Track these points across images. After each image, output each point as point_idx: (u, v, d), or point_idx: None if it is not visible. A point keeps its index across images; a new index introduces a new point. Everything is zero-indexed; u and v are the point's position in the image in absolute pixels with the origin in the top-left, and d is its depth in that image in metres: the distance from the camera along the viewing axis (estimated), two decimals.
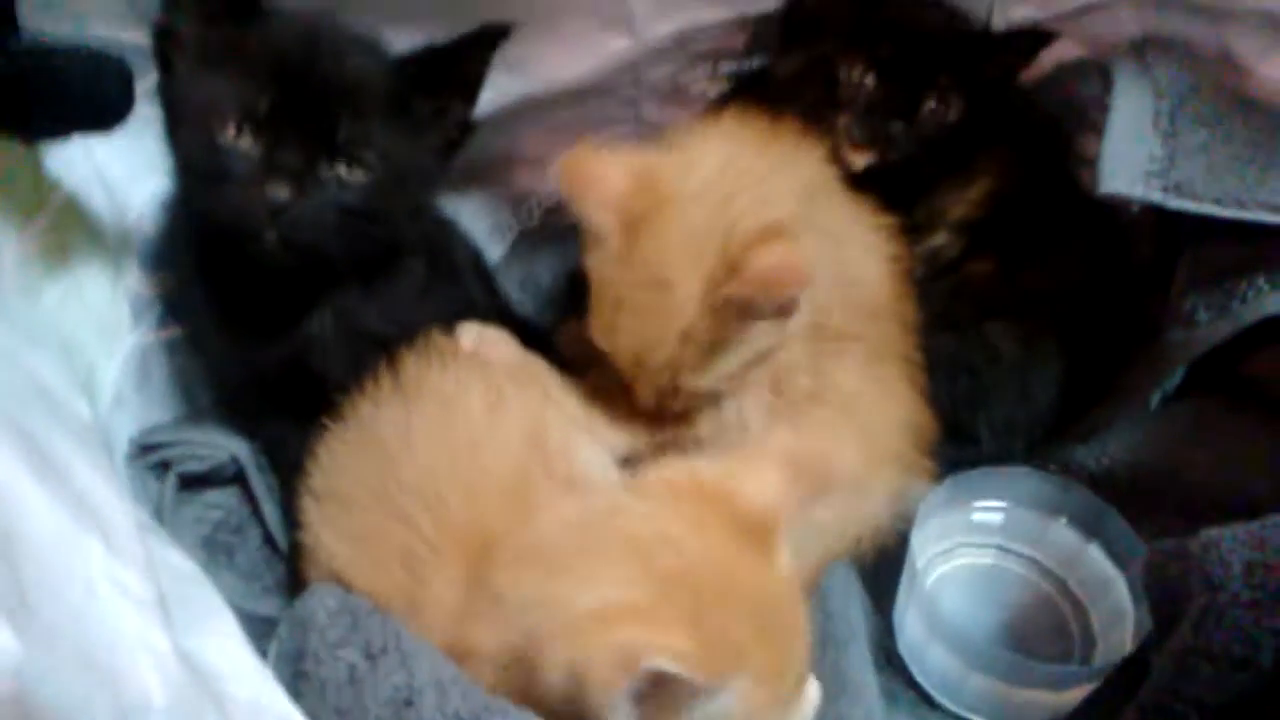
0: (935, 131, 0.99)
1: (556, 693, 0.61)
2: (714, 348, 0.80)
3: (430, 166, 0.83)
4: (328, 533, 0.77)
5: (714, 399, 0.87)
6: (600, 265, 0.81)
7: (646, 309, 0.79)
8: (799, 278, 0.75)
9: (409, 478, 0.75)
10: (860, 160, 0.96)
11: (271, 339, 0.84)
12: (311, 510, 0.79)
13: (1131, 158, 0.87)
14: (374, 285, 0.85)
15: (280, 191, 0.73)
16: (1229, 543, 0.74)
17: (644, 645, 0.57)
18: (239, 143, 0.74)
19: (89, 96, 0.74)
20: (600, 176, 0.80)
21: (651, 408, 0.85)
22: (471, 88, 0.83)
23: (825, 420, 0.92)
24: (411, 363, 0.82)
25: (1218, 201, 0.85)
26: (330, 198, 0.76)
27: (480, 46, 0.80)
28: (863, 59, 0.96)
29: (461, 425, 0.78)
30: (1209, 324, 0.89)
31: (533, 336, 0.94)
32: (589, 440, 0.86)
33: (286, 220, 0.74)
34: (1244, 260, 0.88)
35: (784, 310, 0.78)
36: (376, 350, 0.83)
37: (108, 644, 0.51)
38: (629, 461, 0.90)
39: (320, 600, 0.70)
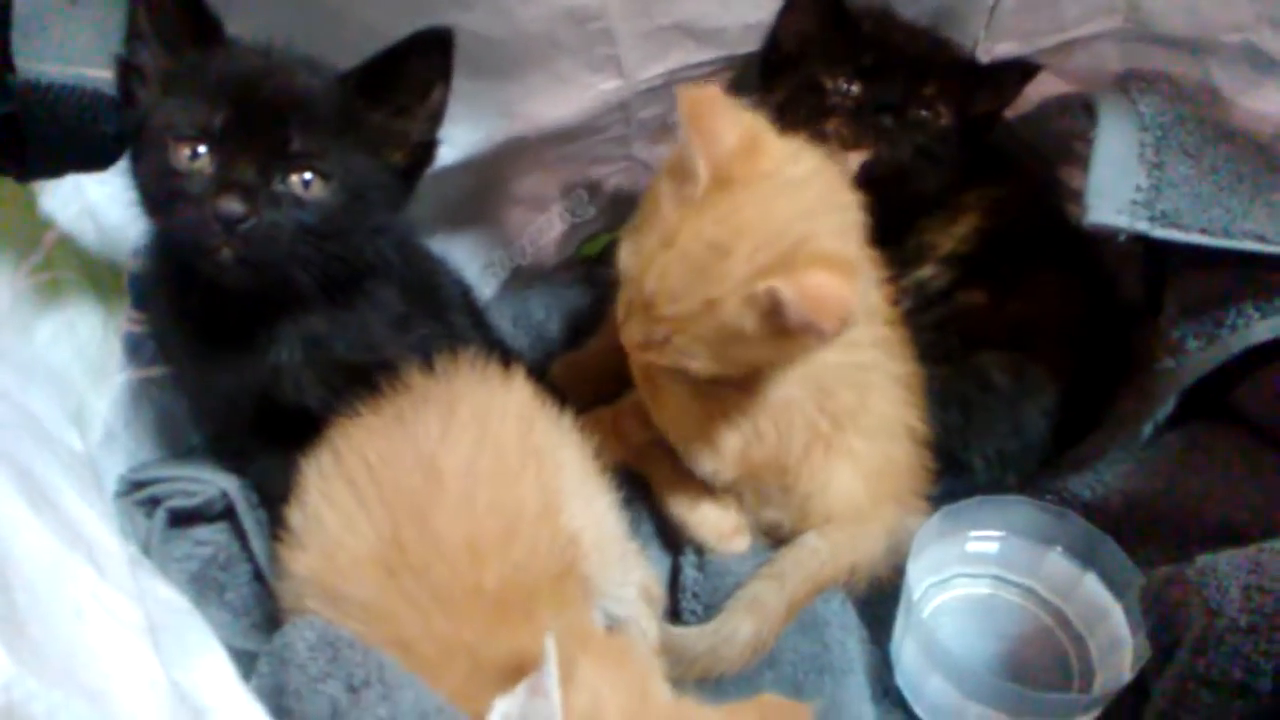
0: (928, 135, 1.00)
1: None
2: (722, 331, 0.79)
3: (390, 184, 0.82)
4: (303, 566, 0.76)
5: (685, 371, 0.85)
6: (675, 202, 0.81)
7: (693, 262, 0.79)
8: (842, 315, 0.75)
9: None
10: (855, 159, 0.97)
11: (241, 370, 0.83)
12: (290, 542, 0.78)
13: (1117, 189, 0.88)
14: (342, 313, 0.84)
15: (233, 205, 0.72)
16: (1226, 568, 0.74)
17: None
18: (194, 163, 0.74)
19: (81, 135, 0.74)
20: (715, 123, 0.79)
21: (632, 345, 0.85)
22: (425, 97, 0.81)
23: (842, 448, 0.93)
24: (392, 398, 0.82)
25: (1204, 231, 0.86)
26: (286, 213, 0.75)
27: (424, 53, 0.79)
28: (846, 69, 0.99)
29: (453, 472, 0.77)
30: (1199, 353, 0.89)
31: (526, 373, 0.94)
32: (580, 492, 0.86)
33: (241, 235, 0.73)
34: (1231, 289, 0.89)
35: (808, 331, 0.77)
36: (351, 380, 0.83)
37: (98, 667, 0.51)
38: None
39: (299, 633, 0.68)
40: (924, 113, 1.01)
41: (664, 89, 1.02)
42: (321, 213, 0.76)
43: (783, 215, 0.79)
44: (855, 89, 1.00)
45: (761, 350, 0.81)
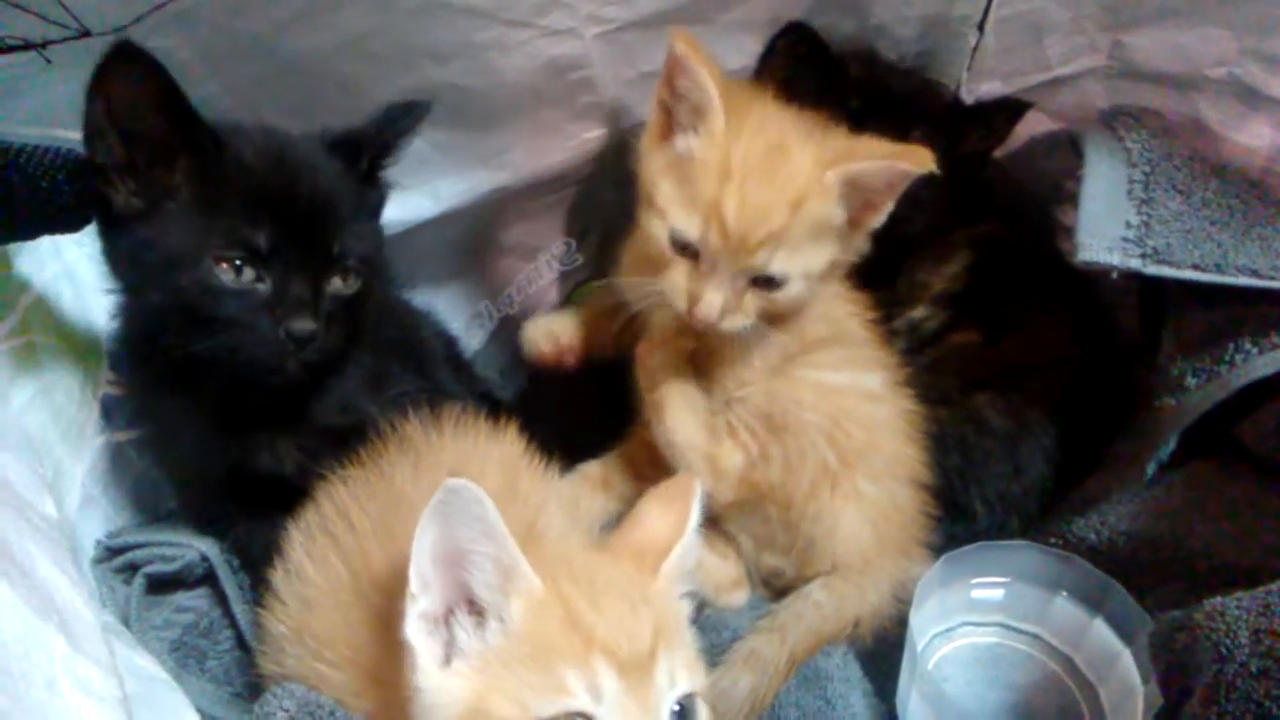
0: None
1: None
2: (814, 229, 0.84)
3: (381, 241, 0.84)
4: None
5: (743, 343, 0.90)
6: (703, 142, 0.84)
7: (760, 174, 0.82)
8: (926, 160, 0.81)
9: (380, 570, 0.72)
10: None
11: (219, 445, 0.82)
12: (271, 601, 0.76)
13: (1107, 227, 0.87)
14: (326, 381, 0.83)
15: (306, 324, 0.73)
16: (1235, 612, 0.73)
17: None
18: (239, 281, 0.73)
19: (56, 197, 0.73)
20: (704, 54, 0.83)
21: (711, 319, 0.85)
22: (396, 156, 0.83)
23: (850, 490, 0.93)
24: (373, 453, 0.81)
25: (1197, 267, 0.85)
26: (339, 312, 0.77)
27: (404, 121, 0.81)
28: (838, 113, 0.97)
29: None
30: (1198, 390, 0.88)
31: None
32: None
33: (314, 349, 0.75)
34: (1228, 325, 0.88)
35: (893, 188, 0.83)
36: (329, 443, 0.82)
37: None
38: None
39: (279, 702, 0.67)
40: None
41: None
42: (359, 297, 0.79)
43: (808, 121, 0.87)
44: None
45: (841, 247, 0.87)
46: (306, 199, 0.75)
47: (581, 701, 0.59)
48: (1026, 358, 1.02)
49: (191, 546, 0.86)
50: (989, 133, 1.03)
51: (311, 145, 0.79)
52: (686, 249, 0.85)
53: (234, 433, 0.82)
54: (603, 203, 1.10)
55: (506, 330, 1.18)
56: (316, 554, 0.77)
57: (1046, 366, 1.01)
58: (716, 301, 0.84)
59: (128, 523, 0.89)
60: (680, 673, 0.63)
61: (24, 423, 0.80)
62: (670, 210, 0.85)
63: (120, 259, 0.76)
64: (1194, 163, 0.87)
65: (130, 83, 0.68)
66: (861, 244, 0.89)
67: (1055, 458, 1.00)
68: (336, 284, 0.77)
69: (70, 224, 0.76)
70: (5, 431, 0.77)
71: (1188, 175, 0.88)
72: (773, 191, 0.82)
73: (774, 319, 0.89)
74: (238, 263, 0.72)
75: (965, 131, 1.02)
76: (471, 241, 1.06)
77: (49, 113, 0.79)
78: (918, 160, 0.81)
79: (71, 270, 0.86)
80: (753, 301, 0.86)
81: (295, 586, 0.76)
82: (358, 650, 0.71)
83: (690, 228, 0.84)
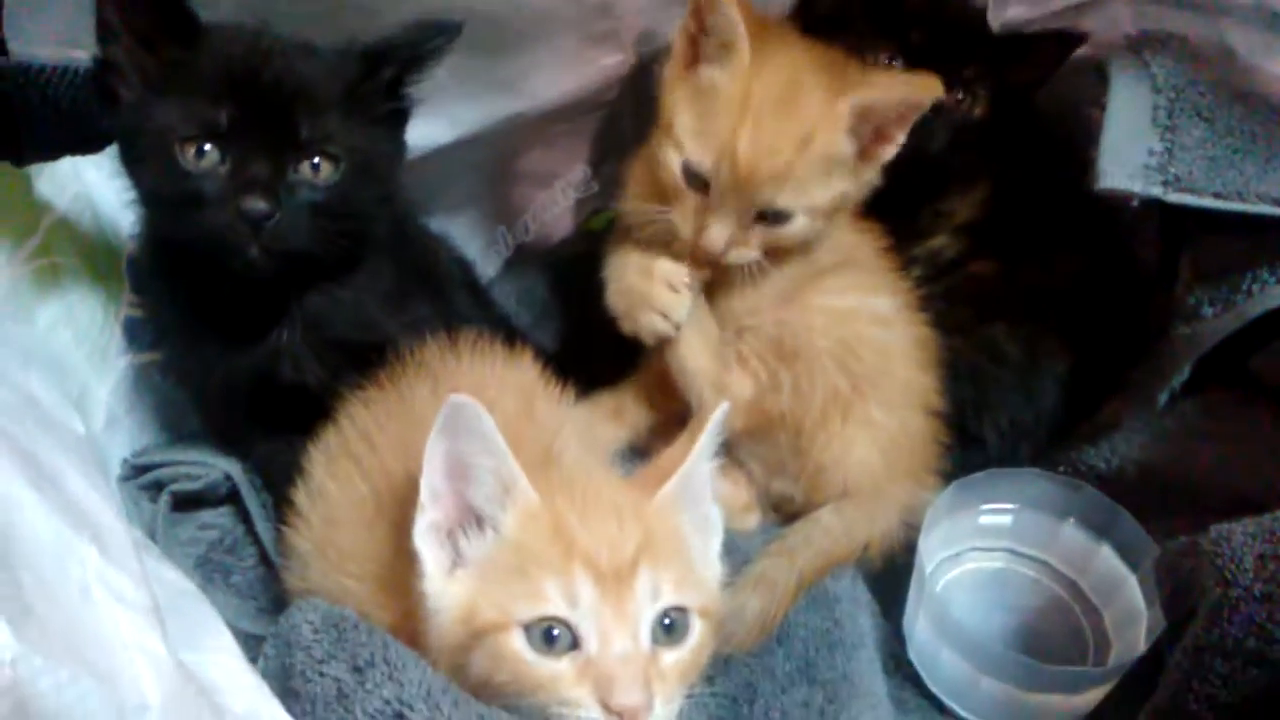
0: (960, 125, 0.98)
1: None
2: (823, 164, 0.85)
3: (390, 150, 0.83)
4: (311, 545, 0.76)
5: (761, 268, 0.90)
6: (725, 75, 0.85)
7: (773, 112, 0.83)
8: (935, 88, 0.83)
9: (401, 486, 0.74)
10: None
11: (241, 353, 0.83)
12: (294, 519, 0.78)
13: (1130, 153, 0.86)
14: (340, 291, 0.84)
15: (257, 204, 0.73)
16: (1240, 537, 0.73)
17: None
18: (203, 163, 0.73)
19: (76, 117, 0.74)
20: None
21: (716, 251, 0.87)
22: (423, 73, 0.82)
23: (861, 417, 0.94)
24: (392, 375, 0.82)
25: (1218, 195, 0.84)
26: (304, 199, 0.76)
27: (434, 41, 0.80)
28: (893, 46, 0.97)
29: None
30: (1214, 319, 0.88)
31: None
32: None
33: (269, 231, 0.74)
34: (1246, 254, 0.87)
35: (904, 119, 0.85)
36: (349, 359, 0.83)
37: (103, 645, 0.51)
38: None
39: (304, 616, 0.68)
40: (960, 97, 0.98)
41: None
42: (334, 193, 0.77)
43: (831, 56, 0.88)
44: (899, 70, 0.96)
45: (851, 180, 0.88)
46: (272, 81, 0.74)
47: (557, 607, 0.62)
48: (1043, 287, 1.01)
49: (215, 466, 0.88)
50: (1039, 67, 1.00)
51: (297, 41, 0.79)
52: (697, 181, 0.85)
53: (250, 342, 0.83)
54: (621, 130, 1.09)
55: (522, 257, 1.18)
56: (339, 473, 0.79)
57: (1063, 297, 1.01)
58: (723, 235, 0.86)
59: (152, 443, 0.91)
60: (667, 587, 0.65)
61: (50, 342, 0.82)
62: (687, 142, 0.86)
63: (122, 155, 0.78)
64: (1218, 89, 0.86)
65: None
66: (873, 177, 0.89)
67: (1068, 387, 1.00)
68: (306, 170, 0.76)
69: (91, 144, 0.76)
70: (32, 351, 0.78)
71: (1212, 101, 0.86)
72: (785, 127, 0.83)
73: (780, 254, 0.90)
74: (201, 145, 0.73)
75: (1016, 65, 0.99)
76: (488, 168, 1.06)
77: (66, 33, 0.79)
78: (927, 89, 0.82)
79: (91, 192, 0.86)
80: (759, 235, 0.87)
81: (318, 505, 0.78)
82: (380, 565, 0.73)
83: (704, 160, 0.85)
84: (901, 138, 0.86)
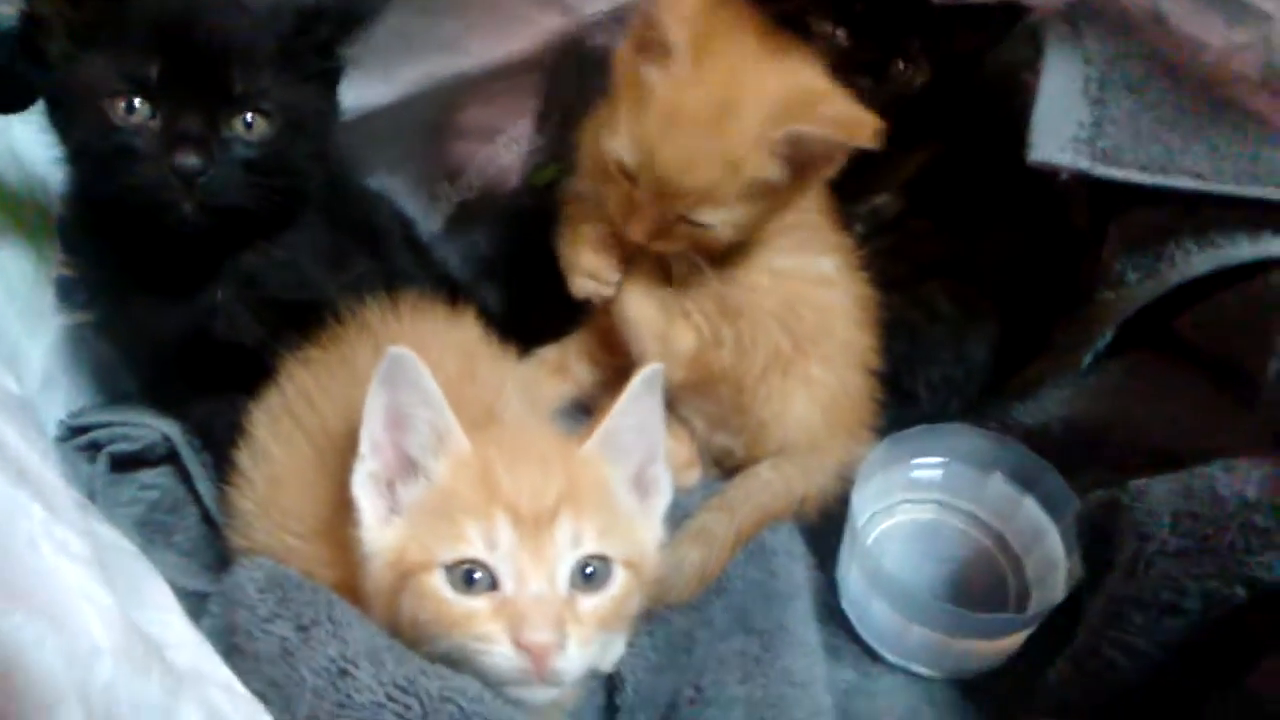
0: (901, 94, 0.98)
1: None
2: (749, 188, 0.83)
3: (324, 107, 0.83)
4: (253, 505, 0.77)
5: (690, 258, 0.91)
6: (662, 79, 0.82)
7: (703, 126, 0.81)
8: (869, 134, 0.80)
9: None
10: None
11: (176, 311, 0.83)
12: (238, 480, 0.79)
13: (1060, 125, 0.87)
14: (276, 249, 0.84)
15: (191, 159, 0.73)
16: (1158, 494, 0.77)
17: None
18: (133, 118, 0.73)
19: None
20: None
21: (640, 240, 0.87)
22: (358, 33, 0.82)
23: (800, 374, 0.96)
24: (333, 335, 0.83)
25: (1143, 168, 0.86)
26: (238, 155, 0.76)
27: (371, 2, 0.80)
28: (837, 15, 0.96)
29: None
30: (1138, 285, 0.90)
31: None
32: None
33: (202, 186, 0.74)
34: (1170, 224, 0.90)
35: (840, 153, 0.83)
36: (286, 318, 0.83)
37: (53, 593, 0.51)
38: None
39: (248, 574, 0.70)
40: (903, 67, 0.97)
41: (609, 23, 1.00)
42: (268, 149, 0.77)
43: (781, 67, 0.85)
44: (841, 36, 0.96)
45: (782, 197, 0.87)
46: (204, 36, 0.74)
47: (476, 549, 0.65)
48: (979, 248, 1.04)
49: (153, 427, 0.87)
50: (984, 35, 1.00)
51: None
52: (627, 171, 0.85)
53: (185, 301, 0.83)
54: (566, 87, 1.08)
55: (465, 213, 1.17)
56: (281, 434, 0.79)
57: (997, 257, 1.03)
58: (642, 230, 0.86)
59: (89, 404, 0.90)
60: (589, 535, 0.67)
61: None
62: (619, 132, 0.85)
63: (49, 112, 0.77)
64: (1149, 60, 0.87)
65: None
66: (809, 193, 0.89)
67: (998, 345, 1.03)
68: (238, 126, 0.76)
69: (15, 104, 0.74)
70: None
71: (1143, 74, 0.88)
72: (710, 149, 0.82)
73: (705, 249, 0.90)
74: (131, 99, 0.72)
75: (960, 33, 0.99)
76: (429, 125, 1.04)
77: None
78: (861, 134, 0.80)
79: (16, 148, 0.84)
80: (683, 231, 0.87)
81: (261, 465, 0.78)
82: (323, 523, 0.74)
83: (629, 157, 0.84)
84: (838, 165, 0.86)
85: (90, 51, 0.73)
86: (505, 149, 1.15)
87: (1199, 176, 0.85)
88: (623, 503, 0.72)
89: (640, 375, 0.72)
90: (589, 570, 0.66)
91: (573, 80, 1.07)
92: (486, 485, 0.67)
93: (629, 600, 0.69)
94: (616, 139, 0.85)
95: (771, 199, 0.87)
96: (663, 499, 0.76)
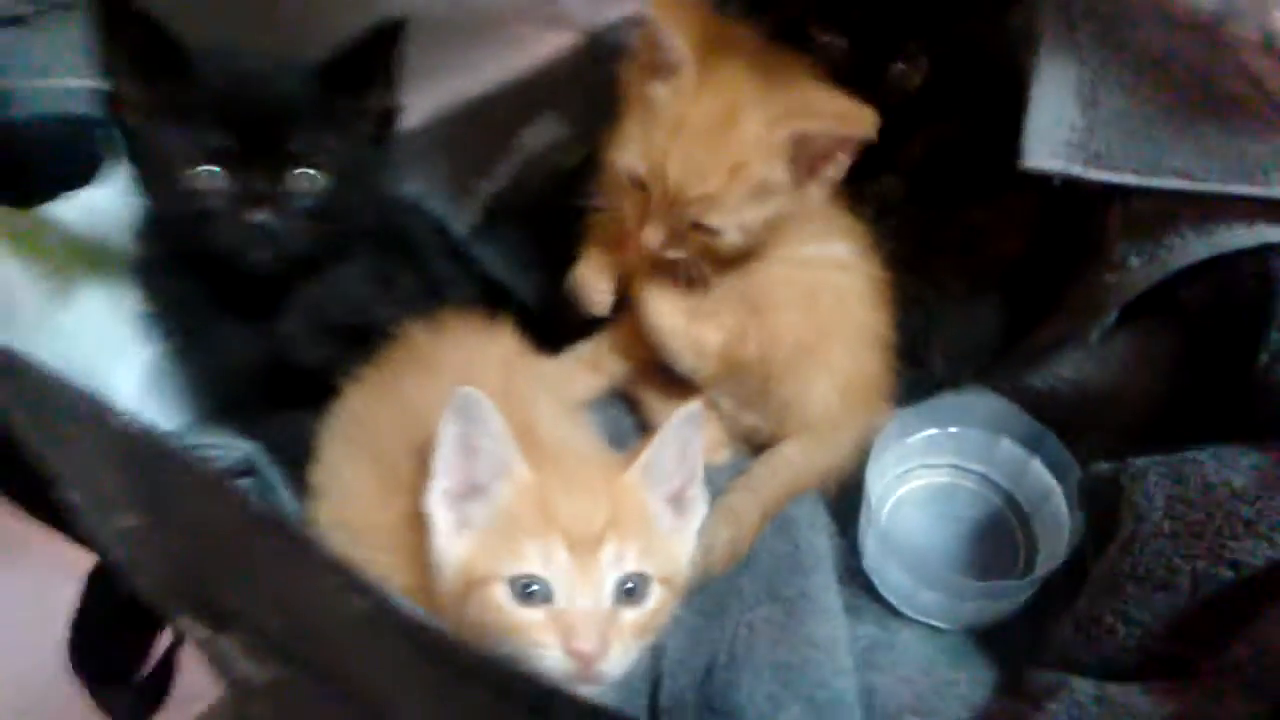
0: (898, 95, 1.02)
1: None
2: (754, 191, 0.89)
3: (370, 154, 0.92)
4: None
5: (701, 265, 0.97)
6: (668, 94, 0.89)
7: (709, 135, 0.88)
8: (869, 125, 0.85)
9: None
10: None
11: (253, 341, 0.93)
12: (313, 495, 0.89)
13: (1052, 130, 0.89)
14: (330, 279, 0.93)
15: (259, 215, 0.84)
16: (1154, 477, 0.83)
17: None
18: (206, 182, 0.83)
19: (58, 164, 0.81)
20: (681, 9, 0.88)
21: (651, 250, 0.94)
22: (385, 76, 0.89)
23: (823, 359, 1.01)
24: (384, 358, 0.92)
25: (1135, 171, 0.88)
26: (300, 205, 0.86)
27: (380, 43, 0.87)
28: (833, 22, 0.99)
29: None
30: (1140, 269, 0.93)
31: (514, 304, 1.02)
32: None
33: (271, 236, 0.85)
34: (1168, 214, 0.91)
35: (842, 148, 0.88)
36: (345, 341, 0.93)
37: None
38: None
39: None
40: (901, 69, 1.01)
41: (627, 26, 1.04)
42: (326, 198, 0.87)
43: (779, 75, 0.89)
44: (843, 45, 0.99)
45: (788, 201, 0.92)
46: (264, 105, 0.84)
47: (535, 566, 0.73)
48: (987, 224, 1.08)
49: (236, 447, 0.97)
50: (986, 20, 1.02)
51: (271, 62, 0.87)
52: (638, 183, 0.91)
53: (253, 328, 0.93)
54: (587, 81, 1.12)
55: (498, 205, 1.22)
56: (345, 455, 0.88)
57: (1004, 232, 1.08)
58: (658, 237, 0.93)
59: (176, 429, 1.00)
60: (630, 555, 0.75)
61: (76, 347, 0.90)
62: (629, 146, 0.91)
63: (135, 175, 0.88)
64: (1141, 53, 0.87)
65: (125, 21, 0.80)
66: (818, 195, 0.94)
67: (1006, 316, 1.08)
68: (297, 181, 0.86)
69: (75, 184, 0.83)
70: (65, 357, 0.86)
71: (1135, 71, 0.88)
72: (717, 155, 0.87)
73: (717, 255, 0.96)
74: (205, 166, 0.83)
75: (962, 22, 1.02)
76: (454, 139, 1.09)
77: (47, 64, 0.84)
78: (860, 126, 0.85)
79: (91, 200, 0.92)
80: (695, 238, 0.93)
81: (332, 483, 0.88)
82: (393, 535, 0.83)
83: (640, 170, 0.90)
84: (847, 160, 0.90)
85: (165, 125, 0.83)
86: (532, 138, 1.20)
87: (1187, 176, 0.86)
88: (661, 522, 0.81)
89: (679, 413, 0.80)
90: (630, 586, 0.75)
91: (590, 75, 1.11)
92: (544, 510, 0.75)
93: (663, 612, 0.78)
94: (627, 153, 0.91)
95: (780, 198, 0.92)
96: (698, 518, 0.84)
